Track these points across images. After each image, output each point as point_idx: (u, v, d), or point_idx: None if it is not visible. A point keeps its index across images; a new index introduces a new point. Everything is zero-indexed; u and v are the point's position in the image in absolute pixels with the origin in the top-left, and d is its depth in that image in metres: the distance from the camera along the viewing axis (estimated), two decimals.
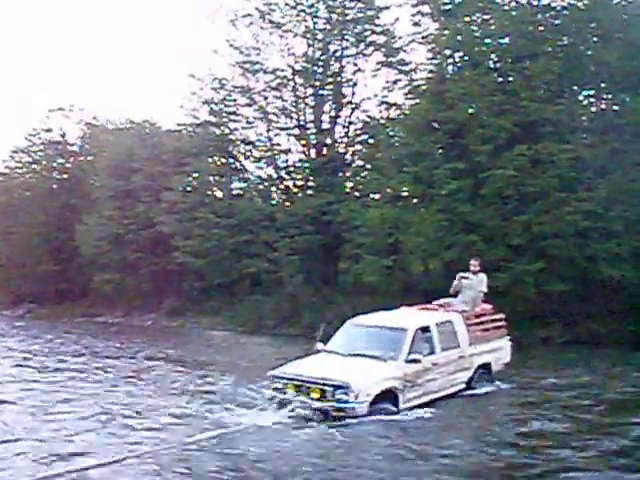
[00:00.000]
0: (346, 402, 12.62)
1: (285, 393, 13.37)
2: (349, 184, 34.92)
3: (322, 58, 34.52)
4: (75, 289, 44.71)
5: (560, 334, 23.39)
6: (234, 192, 38.11)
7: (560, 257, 23.58)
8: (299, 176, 35.90)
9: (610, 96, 26.49)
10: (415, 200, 28.44)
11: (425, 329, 14.55)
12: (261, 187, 37.58)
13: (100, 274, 40.47)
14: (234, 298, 34.60)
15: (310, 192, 34.43)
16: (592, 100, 27.31)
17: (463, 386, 15.12)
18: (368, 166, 32.99)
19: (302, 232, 32.49)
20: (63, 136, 48.47)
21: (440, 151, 27.43)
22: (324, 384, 12.88)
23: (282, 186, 36.53)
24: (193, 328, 33.88)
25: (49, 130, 48.23)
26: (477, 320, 16.01)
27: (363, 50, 34.15)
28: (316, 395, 12.90)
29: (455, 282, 16.55)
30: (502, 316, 16.74)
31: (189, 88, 37.03)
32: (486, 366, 15.82)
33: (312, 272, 33.57)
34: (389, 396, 13.23)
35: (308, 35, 34.68)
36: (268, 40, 35.41)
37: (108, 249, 39.71)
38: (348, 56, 34.49)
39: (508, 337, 16.68)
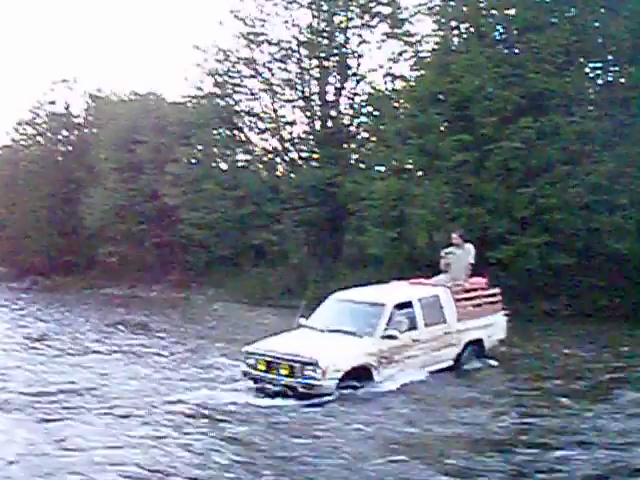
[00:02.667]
0: (314, 378, 12.55)
1: (257, 369, 13.38)
2: (354, 156, 34.87)
3: (327, 29, 34.24)
4: (80, 261, 44.77)
5: (565, 307, 23.42)
6: (239, 164, 38.05)
7: (565, 230, 23.53)
8: (304, 148, 35.82)
9: (617, 68, 26.27)
10: (420, 172, 28.36)
11: (406, 304, 14.39)
12: (266, 159, 37.54)
13: (105, 246, 40.50)
14: (239, 270, 34.64)
15: (315, 164, 34.37)
16: (599, 72, 27.06)
17: (450, 363, 14.92)
18: (373, 138, 32.88)
19: (307, 204, 32.52)
20: (67, 108, 48.26)
21: (445, 123, 27.32)
22: (293, 360, 12.83)
23: (287, 158, 36.46)
24: (198, 300, 33.94)
25: (53, 102, 48.02)
26: (467, 295, 15.67)
27: (368, 21, 33.82)
28: (285, 371, 12.86)
29: (442, 260, 16.09)
30: (497, 291, 16.37)
31: (193, 60, 36.87)
32: (477, 342, 15.56)
33: (317, 244, 33.67)
34: (362, 373, 13.15)
35: (313, 6, 34.39)
36: (273, 11, 35.05)
37: (113, 221, 39.73)
38: (353, 27, 34.17)
39: (503, 312, 16.36)
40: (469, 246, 16.00)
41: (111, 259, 40.32)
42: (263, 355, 13.32)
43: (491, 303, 16.17)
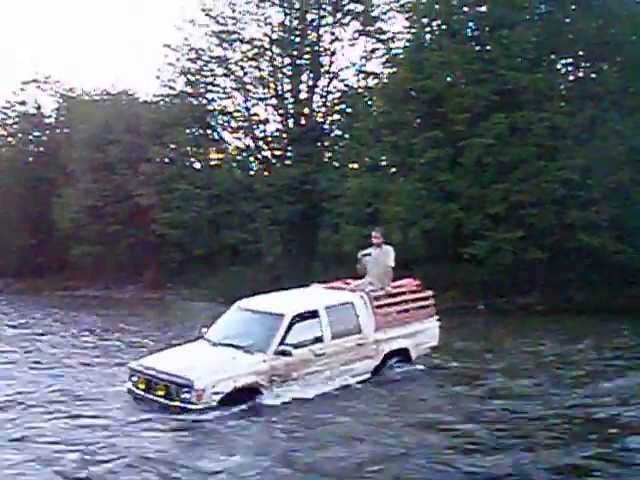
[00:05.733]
0: (189, 402, 11.23)
1: (138, 388, 12.08)
2: (328, 154, 34.94)
3: (299, 27, 34.28)
4: (53, 262, 44.41)
5: (538, 302, 23.55)
6: (212, 163, 37.98)
7: (538, 225, 23.70)
8: (277, 146, 35.79)
9: (588, 64, 26.56)
10: (394, 169, 28.50)
11: (310, 314, 12.79)
12: (239, 158, 37.47)
13: (78, 247, 40.24)
14: (213, 269, 34.54)
15: (289, 162, 34.38)
16: (570, 68, 27.44)
17: (367, 376, 13.22)
18: (347, 136, 33.01)
19: (281, 202, 32.46)
20: (38, 108, 47.88)
21: (418, 120, 27.48)
22: (169, 380, 11.52)
23: (260, 156, 36.39)
24: (172, 300, 33.81)
25: (23, 102, 47.61)
26: (390, 301, 13.91)
27: (340, 19, 33.93)
28: (161, 392, 11.57)
29: (358, 265, 14.38)
30: (429, 294, 14.52)
31: (165, 59, 36.68)
32: (402, 352, 13.87)
33: (291, 242, 33.66)
34: (251, 391, 11.69)
35: (285, 4, 34.36)
36: (245, 9, 35.06)
37: (86, 222, 39.45)
38: (325, 25, 34.24)
39: (436, 317, 14.55)
40: (388, 248, 14.30)
41: (84, 260, 40.07)
42: (143, 373, 12.05)
43: (421, 308, 14.43)
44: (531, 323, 21.19)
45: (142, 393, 11.94)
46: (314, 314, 12.82)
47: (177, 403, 11.29)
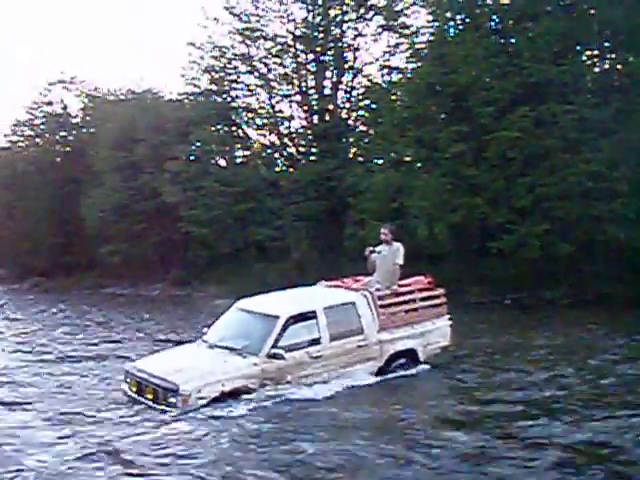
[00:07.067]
0: (176, 406, 11.20)
1: (131, 390, 12.21)
2: (353, 149, 34.90)
3: (322, 24, 34.28)
4: (82, 261, 44.74)
5: (566, 295, 23.39)
6: (238, 160, 38.15)
7: (565, 218, 23.52)
8: (302, 143, 35.87)
9: (614, 55, 26.26)
10: (419, 164, 28.39)
11: (307, 315, 12.54)
12: (264, 154, 37.58)
13: (106, 245, 40.46)
14: (240, 266, 34.68)
15: (314, 158, 34.42)
16: (595, 60, 27.10)
17: (368, 379, 12.82)
18: (371, 131, 32.94)
19: (307, 198, 32.57)
20: (64, 108, 48.26)
21: (443, 114, 27.37)
22: (157, 384, 11.56)
23: (285, 153, 36.50)
24: (198, 297, 33.96)
25: (50, 103, 48.01)
26: (396, 300, 13.59)
27: (363, 14, 33.88)
28: (150, 396, 11.62)
29: (367, 262, 14.06)
30: (440, 292, 14.15)
31: (189, 57, 36.91)
32: (409, 353, 13.53)
33: (318, 238, 33.72)
34: (242, 394, 11.58)
35: (308, 0, 34.41)
36: (267, 6, 35.14)
37: (113, 220, 39.69)
38: (349, 21, 34.21)
39: (448, 316, 14.22)
40: (397, 245, 13.95)
41: (112, 258, 40.27)
42: (135, 375, 12.17)
43: (431, 307, 14.06)
44: (558, 317, 21.11)
45: (134, 395, 12.06)
46: (311, 315, 12.58)
47: (164, 407, 11.31)
